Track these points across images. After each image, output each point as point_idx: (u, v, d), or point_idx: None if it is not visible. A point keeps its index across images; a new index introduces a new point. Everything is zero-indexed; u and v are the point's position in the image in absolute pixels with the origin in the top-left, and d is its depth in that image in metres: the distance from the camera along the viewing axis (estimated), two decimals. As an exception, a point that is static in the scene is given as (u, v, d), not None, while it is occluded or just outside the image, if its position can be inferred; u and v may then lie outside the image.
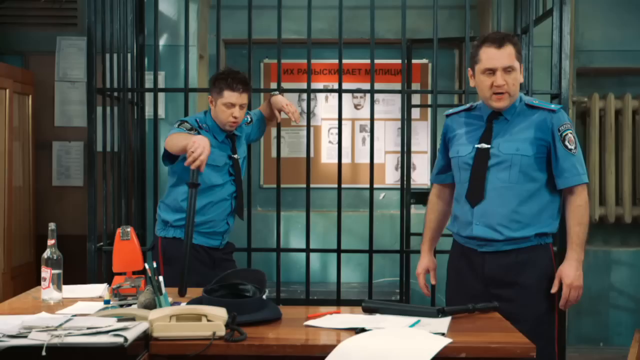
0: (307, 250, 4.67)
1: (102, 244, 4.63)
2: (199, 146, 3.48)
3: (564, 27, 4.46)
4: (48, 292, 3.15)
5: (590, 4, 5.61)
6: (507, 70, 3.18)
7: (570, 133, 3.20)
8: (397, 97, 6.13)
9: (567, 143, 3.18)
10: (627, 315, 5.86)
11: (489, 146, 3.23)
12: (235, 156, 4.08)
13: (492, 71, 3.20)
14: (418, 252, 4.88)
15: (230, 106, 3.93)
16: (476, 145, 3.27)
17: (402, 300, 4.89)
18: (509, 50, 3.18)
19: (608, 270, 5.86)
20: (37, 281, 5.47)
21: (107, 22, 4.71)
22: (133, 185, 5.00)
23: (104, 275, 4.57)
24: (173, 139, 3.83)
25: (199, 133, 3.88)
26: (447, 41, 4.73)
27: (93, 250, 4.55)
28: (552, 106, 3.25)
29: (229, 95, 3.93)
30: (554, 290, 3.24)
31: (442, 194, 3.55)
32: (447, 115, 3.48)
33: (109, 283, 3.63)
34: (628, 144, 5.90)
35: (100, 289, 3.43)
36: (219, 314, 2.57)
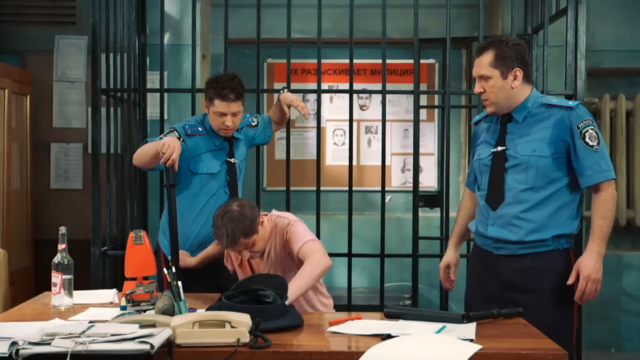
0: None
1: (105, 248, 4.50)
2: (169, 146, 3.48)
3: (580, 26, 4.39)
4: (59, 298, 3.09)
5: (601, 3, 5.52)
6: (481, 78, 3.20)
7: (592, 129, 3.11)
8: (403, 98, 6.07)
9: (588, 140, 3.09)
10: (639, 320, 5.77)
11: (504, 148, 3.20)
12: (232, 160, 3.96)
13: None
14: (428, 256, 4.88)
15: (221, 115, 3.80)
16: (492, 150, 3.24)
17: (413, 305, 4.79)
18: (484, 59, 3.18)
19: (619, 275, 5.78)
20: (35, 286, 5.43)
21: (110, 21, 4.60)
22: (135, 188, 4.89)
23: (108, 280, 4.46)
24: (141, 151, 3.77)
25: (184, 142, 3.79)
26: (455, 41, 4.65)
27: (97, 255, 4.43)
28: (570, 103, 3.17)
29: (219, 105, 3.78)
30: (570, 281, 3.14)
31: (474, 197, 3.49)
32: (475, 123, 3.50)
33: (116, 288, 3.56)
34: (639, 146, 5.82)
35: (110, 295, 3.36)
36: (243, 320, 2.51)
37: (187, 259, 3.77)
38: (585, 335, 5.42)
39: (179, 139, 3.75)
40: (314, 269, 3.14)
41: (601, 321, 5.69)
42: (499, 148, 3.21)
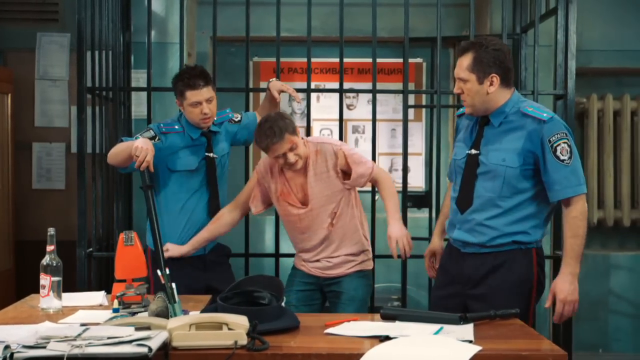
0: (308, 255, 4.50)
1: (91, 249, 4.42)
2: (142, 149, 3.46)
3: (570, 26, 4.39)
4: (47, 301, 3.03)
5: (589, 3, 5.51)
6: (459, 80, 3.23)
7: (564, 142, 3.11)
8: (390, 97, 6.04)
9: (559, 154, 3.10)
10: (627, 321, 5.81)
11: (477, 152, 3.24)
12: (211, 155, 3.91)
13: None
14: (417, 257, 4.84)
15: (196, 105, 3.77)
16: (467, 152, 3.28)
17: (402, 306, 4.76)
18: (463, 61, 3.20)
19: (607, 275, 5.80)
20: (17, 289, 5.34)
21: (96, 19, 4.53)
22: (120, 188, 4.81)
23: (93, 282, 4.39)
24: (115, 151, 3.73)
25: (159, 140, 3.77)
26: (443, 40, 4.61)
27: (83, 256, 4.36)
28: (544, 115, 3.15)
29: (191, 95, 3.76)
30: (547, 305, 3.24)
31: None
32: (458, 116, 3.52)
33: (102, 290, 3.50)
34: (626, 146, 5.84)
35: (99, 297, 3.30)
36: (241, 322, 2.48)
37: (176, 250, 3.79)
38: (573, 336, 5.43)
39: (154, 137, 3.74)
40: (394, 189, 3.73)
41: (589, 322, 5.70)
42: (473, 151, 3.26)
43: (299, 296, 3.78)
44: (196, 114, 3.78)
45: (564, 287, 3.14)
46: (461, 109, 3.49)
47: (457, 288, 3.28)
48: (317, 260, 3.74)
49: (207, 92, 3.78)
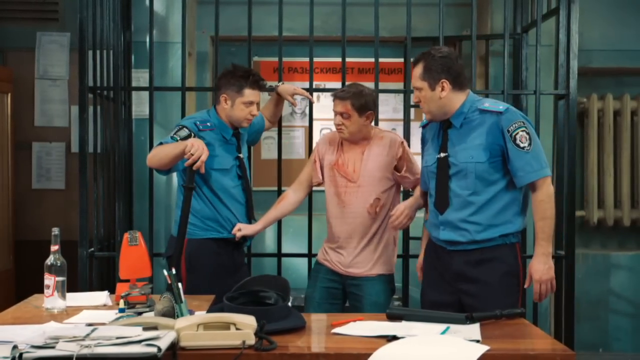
0: (309, 255, 4.55)
1: (92, 249, 4.41)
2: (197, 148, 3.47)
3: (572, 26, 4.41)
4: (52, 301, 3.02)
5: (589, 3, 5.51)
6: (415, 89, 3.38)
7: (522, 130, 3.25)
8: (390, 97, 6.03)
9: (518, 142, 3.24)
10: (627, 320, 5.82)
11: (446, 154, 3.36)
12: (241, 155, 3.96)
13: None
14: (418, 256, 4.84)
15: (249, 104, 3.86)
16: (437, 156, 3.40)
17: (404, 305, 4.76)
18: (415, 71, 3.36)
19: (607, 275, 5.81)
20: (17, 289, 5.32)
21: (97, 19, 4.51)
22: (121, 188, 4.80)
23: (94, 282, 4.38)
24: (161, 152, 3.68)
25: (196, 137, 3.73)
26: (444, 40, 4.62)
27: (85, 256, 4.35)
28: (501, 107, 3.32)
29: (250, 94, 3.85)
30: (526, 285, 3.35)
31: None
32: (422, 127, 3.65)
33: (103, 290, 3.48)
34: (626, 146, 5.86)
35: (102, 297, 3.29)
36: (249, 322, 2.47)
37: (250, 229, 3.88)
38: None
39: (189, 136, 3.71)
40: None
41: (589, 321, 5.72)
42: (442, 155, 3.38)
43: (323, 293, 3.85)
44: (246, 113, 3.85)
45: (539, 267, 3.26)
46: (424, 120, 3.63)
47: (448, 284, 3.36)
48: (343, 249, 3.81)
49: (260, 95, 3.93)
